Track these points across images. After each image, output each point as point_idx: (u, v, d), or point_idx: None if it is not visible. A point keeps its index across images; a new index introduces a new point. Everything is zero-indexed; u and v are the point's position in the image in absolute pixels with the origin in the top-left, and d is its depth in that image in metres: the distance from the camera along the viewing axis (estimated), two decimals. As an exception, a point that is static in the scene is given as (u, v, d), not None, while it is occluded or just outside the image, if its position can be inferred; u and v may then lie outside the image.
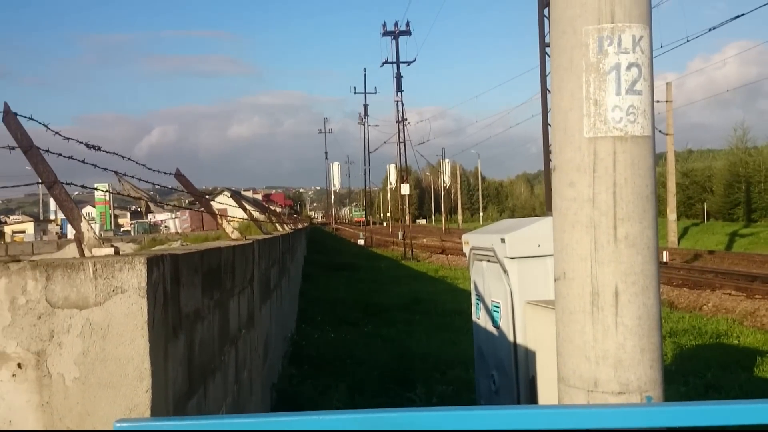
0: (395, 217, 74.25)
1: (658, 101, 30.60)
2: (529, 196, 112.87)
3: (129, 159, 3.14)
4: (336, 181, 74.47)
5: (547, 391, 4.25)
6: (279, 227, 11.31)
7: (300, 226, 25.72)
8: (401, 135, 39.80)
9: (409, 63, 40.56)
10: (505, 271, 4.79)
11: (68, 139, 2.50)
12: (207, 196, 5.04)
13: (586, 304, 2.30)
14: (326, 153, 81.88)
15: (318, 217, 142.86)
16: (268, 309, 6.29)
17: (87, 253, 2.27)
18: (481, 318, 5.49)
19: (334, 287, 18.57)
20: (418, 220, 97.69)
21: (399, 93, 39.04)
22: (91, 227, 2.33)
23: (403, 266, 28.54)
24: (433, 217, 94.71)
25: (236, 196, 7.94)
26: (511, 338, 4.75)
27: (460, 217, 79.71)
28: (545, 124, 18.69)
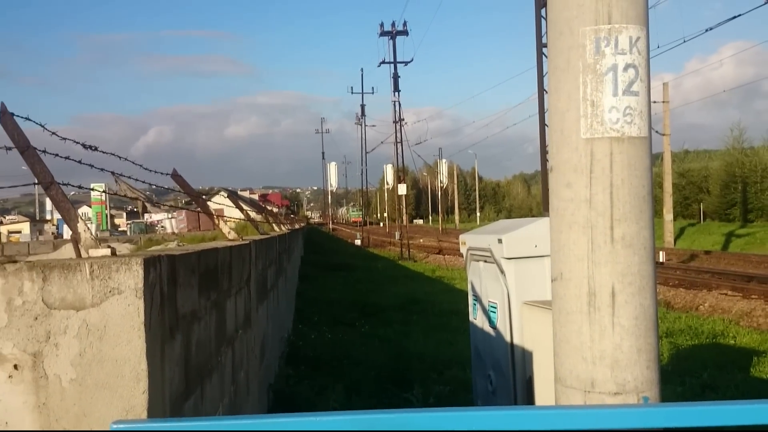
0: (392, 218, 74.19)
1: (654, 102, 30.66)
2: (526, 197, 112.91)
3: (126, 159, 3.14)
4: (333, 182, 74.39)
5: (544, 392, 4.25)
6: (276, 227, 11.30)
7: (297, 226, 25.67)
8: (398, 135, 39.87)
9: (406, 63, 40.70)
10: (502, 272, 4.80)
11: (65, 139, 2.50)
12: (204, 197, 5.04)
13: (583, 305, 2.30)
14: (323, 153, 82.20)
15: (315, 217, 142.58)
16: (265, 309, 6.28)
17: (84, 254, 2.27)
18: (478, 318, 5.49)
19: (331, 287, 18.54)
20: (415, 221, 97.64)
21: (396, 93, 39.15)
22: (88, 228, 2.33)
23: (400, 266, 28.56)
24: (430, 218, 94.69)
25: (233, 196, 7.93)
26: (508, 338, 4.76)
27: (457, 217, 79.76)
28: (542, 125, 18.70)
